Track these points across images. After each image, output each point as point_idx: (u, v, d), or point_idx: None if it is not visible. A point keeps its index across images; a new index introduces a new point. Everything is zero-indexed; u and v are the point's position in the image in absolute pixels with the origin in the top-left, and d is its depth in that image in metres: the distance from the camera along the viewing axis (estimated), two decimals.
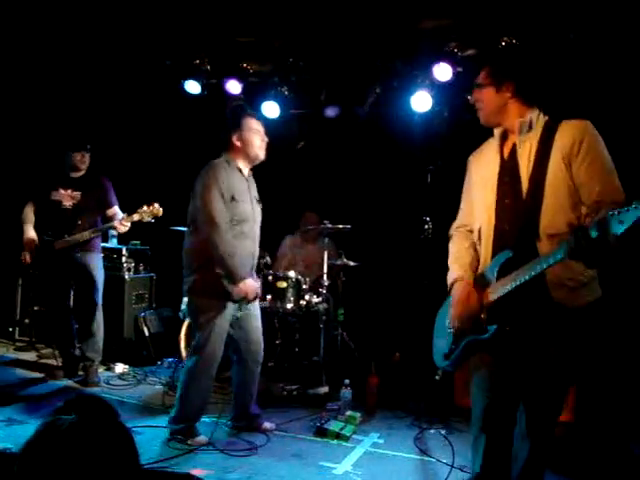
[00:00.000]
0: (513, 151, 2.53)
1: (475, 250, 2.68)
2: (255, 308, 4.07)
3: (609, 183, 2.31)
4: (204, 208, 3.71)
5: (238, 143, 3.91)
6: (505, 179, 2.52)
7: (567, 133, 2.38)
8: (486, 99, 2.62)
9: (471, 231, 2.73)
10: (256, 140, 3.93)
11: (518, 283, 2.28)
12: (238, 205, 3.81)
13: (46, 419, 1.40)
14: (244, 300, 3.84)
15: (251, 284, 3.83)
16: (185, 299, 3.98)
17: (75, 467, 1.33)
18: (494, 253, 2.51)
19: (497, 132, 2.66)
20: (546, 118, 2.51)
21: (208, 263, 3.73)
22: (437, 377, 3.23)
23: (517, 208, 2.44)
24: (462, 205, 2.87)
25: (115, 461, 1.40)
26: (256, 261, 4.07)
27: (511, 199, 2.48)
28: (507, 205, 2.49)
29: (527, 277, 2.25)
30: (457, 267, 2.68)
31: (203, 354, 3.81)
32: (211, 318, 3.79)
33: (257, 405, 4.24)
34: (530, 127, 2.49)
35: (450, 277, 2.69)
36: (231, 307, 3.86)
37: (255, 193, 4.07)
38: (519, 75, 2.60)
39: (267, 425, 4.19)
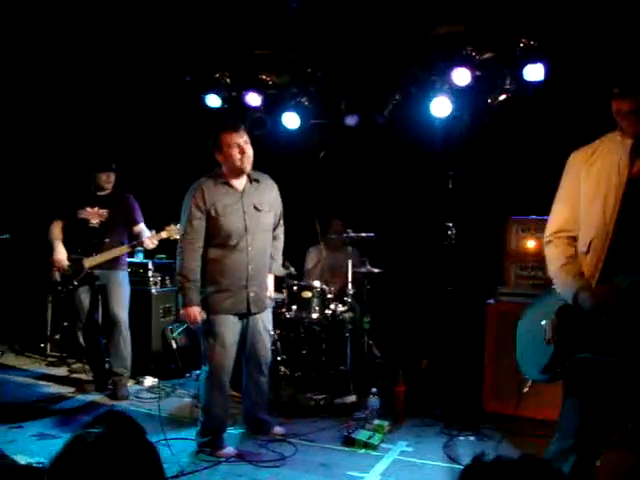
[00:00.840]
0: None
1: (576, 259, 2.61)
2: (261, 321, 4.06)
3: None
4: (180, 230, 3.96)
5: (219, 158, 3.94)
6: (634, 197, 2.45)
7: None
8: None
9: (574, 238, 2.64)
10: (235, 154, 3.88)
11: None
12: (221, 220, 3.84)
13: (74, 433, 1.43)
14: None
15: (190, 313, 3.80)
16: None
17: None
18: (606, 268, 2.45)
19: (628, 142, 2.54)
20: None
21: (203, 279, 3.87)
22: (525, 389, 3.17)
23: None
24: (560, 207, 2.72)
25: (140, 475, 1.42)
26: (260, 269, 3.99)
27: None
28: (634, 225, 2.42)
29: None
30: (574, 276, 2.54)
31: (210, 365, 3.89)
32: (213, 330, 3.85)
33: (267, 412, 4.31)
34: None
35: (576, 282, 2.52)
36: (231, 319, 3.89)
37: (258, 200, 3.99)
38: None
39: (277, 429, 4.23)
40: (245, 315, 3.97)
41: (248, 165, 3.93)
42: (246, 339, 4.03)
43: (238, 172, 3.95)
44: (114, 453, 1.40)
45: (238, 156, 3.88)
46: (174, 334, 5.84)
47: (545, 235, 2.76)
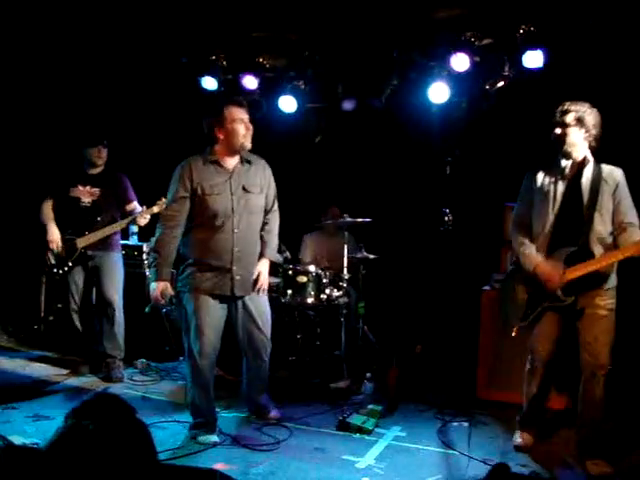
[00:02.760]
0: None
1: None
2: (254, 307, 3.97)
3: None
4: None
5: (221, 136, 3.82)
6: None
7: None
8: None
9: (529, 226, 3.69)
10: (240, 129, 3.81)
11: (591, 270, 3.38)
12: (207, 199, 3.76)
13: (65, 422, 1.43)
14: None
15: (155, 287, 3.77)
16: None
17: (94, 466, 1.36)
18: (551, 244, 3.57)
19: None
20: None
21: (182, 259, 3.87)
22: (513, 334, 3.83)
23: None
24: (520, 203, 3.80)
25: (132, 458, 1.43)
26: (246, 252, 3.89)
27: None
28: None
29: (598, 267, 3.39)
30: (535, 254, 3.61)
31: (188, 348, 3.84)
32: (191, 310, 3.80)
33: (269, 398, 4.29)
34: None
35: (534, 259, 3.60)
36: (211, 302, 3.82)
37: (248, 182, 3.89)
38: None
39: (273, 413, 4.23)
40: (231, 299, 3.89)
41: (249, 143, 3.86)
42: (237, 325, 3.97)
43: (236, 150, 3.86)
44: (105, 435, 1.41)
45: (242, 132, 3.80)
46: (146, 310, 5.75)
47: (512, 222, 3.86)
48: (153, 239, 3.89)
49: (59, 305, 6.27)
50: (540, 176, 3.68)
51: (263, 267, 4.02)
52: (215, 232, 3.79)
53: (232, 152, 3.88)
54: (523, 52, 4.75)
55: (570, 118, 3.49)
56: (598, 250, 3.45)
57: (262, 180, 3.99)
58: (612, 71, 4.68)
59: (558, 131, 3.53)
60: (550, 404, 4.11)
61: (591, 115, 3.49)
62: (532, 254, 3.61)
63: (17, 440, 3.54)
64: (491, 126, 5.40)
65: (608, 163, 3.56)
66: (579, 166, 3.56)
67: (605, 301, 3.48)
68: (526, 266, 3.63)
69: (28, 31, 5.43)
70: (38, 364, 5.55)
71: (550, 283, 3.51)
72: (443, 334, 5.06)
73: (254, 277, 3.94)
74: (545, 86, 4.82)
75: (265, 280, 4.01)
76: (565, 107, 3.52)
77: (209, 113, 3.88)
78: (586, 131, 3.50)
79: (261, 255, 4.03)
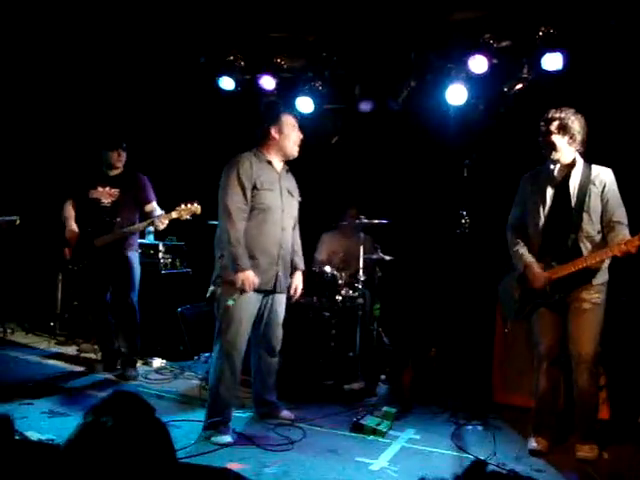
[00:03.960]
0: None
1: None
2: (278, 303, 4.10)
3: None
4: (222, 198, 3.87)
5: (276, 136, 4.00)
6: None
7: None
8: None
9: (523, 228, 3.89)
10: (293, 135, 4.03)
11: (578, 269, 3.56)
12: (262, 193, 3.88)
13: (85, 419, 1.43)
14: (240, 290, 3.79)
15: (248, 276, 3.76)
16: (211, 288, 4.00)
17: (115, 464, 1.36)
18: (543, 247, 3.76)
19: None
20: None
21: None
22: (506, 330, 4.30)
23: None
24: (515, 206, 3.99)
25: (152, 457, 1.42)
26: (287, 252, 4.07)
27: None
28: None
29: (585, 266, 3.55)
30: (527, 254, 3.80)
31: (223, 342, 3.85)
32: (236, 305, 3.81)
33: (277, 395, 4.31)
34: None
35: (524, 259, 3.80)
36: (253, 296, 3.88)
37: (290, 186, 4.12)
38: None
39: (285, 414, 4.23)
40: (269, 293, 4.00)
41: (297, 152, 4.08)
42: (262, 319, 4.05)
43: (286, 154, 4.06)
44: (125, 433, 1.40)
45: (295, 139, 4.04)
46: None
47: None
48: (223, 233, 3.82)
49: (75, 303, 6.33)
50: (532, 180, 3.89)
51: (299, 279, 4.27)
52: (267, 227, 3.91)
53: (282, 156, 4.07)
54: (542, 54, 4.72)
55: (554, 126, 3.67)
56: (587, 249, 3.63)
57: (296, 189, 4.21)
58: (632, 74, 4.64)
59: (543, 139, 3.73)
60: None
61: (575, 121, 3.66)
62: (523, 255, 3.81)
63: (33, 436, 3.56)
64: (509, 129, 5.36)
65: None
66: (568, 169, 3.74)
67: (591, 295, 3.64)
68: (518, 266, 3.86)
69: (50, 36, 5.49)
70: (53, 361, 5.59)
71: (536, 283, 3.71)
72: (458, 337, 5.03)
73: (292, 291, 4.21)
74: (564, 89, 4.78)
75: (300, 292, 4.29)
76: (550, 115, 3.70)
77: (267, 114, 4.08)
78: (570, 137, 3.67)
79: (296, 267, 4.24)
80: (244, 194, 3.84)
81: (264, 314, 4.06)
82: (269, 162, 4.01)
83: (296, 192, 4.18)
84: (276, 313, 4.10)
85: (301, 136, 4.08)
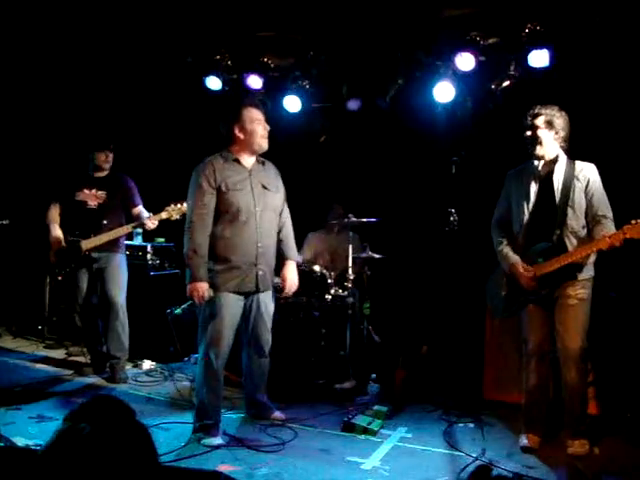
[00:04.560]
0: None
1: None
2: (264, 303, 4.03)
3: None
4: (187, 208, 3.91)
5: (240, 135, 3.91)
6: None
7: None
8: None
9: (508, 224, 3.92)
10: (259, 130, 3.91)
11: (564, 264, 3.56)
12: (231, 195, 3.81)
13: (62, 425, 1.42)
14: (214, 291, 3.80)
15: (197, 288, 3.72)
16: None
17: (92, 472, 1.35)
18: (528, 243, 3.77)
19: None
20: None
21: (212, 257, 3.84)
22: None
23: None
24: (500, 203, 4.02)
25: (132, 463, 1.40)
26: (267, 248, 3.97)
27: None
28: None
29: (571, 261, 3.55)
30: (512, 253, 3.82)
31: (206, 346, 3.85)
32: (214, 309, 3.81)
33: (267, 396, 4.28)
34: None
35: (509, 259, 3.82)
36: (234, 298, 3.85)
37: (266, 180, 4.00)
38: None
39: (277, 414, 4.22)
40: (251, 294, 3.95)
41: (267, 144, 3.96)
42: (248, 320, 4.02)
43: (255, 150, 3.95)
44: (102, 439, 1.38)
45: (261, 132, 3.91)
46: (175, 311, 5.76)
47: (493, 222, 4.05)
48: (185, 241, 3.81)
49: (63, 306, 6.28)
50: (517, 177, 3.91)
51: (291, 270, 4.15)
52: (240, 228, 3.85)
53: (251, 152, 3.97)
54: (529, 51, 4.73)
55: (540, 121, 3.71)
56: (572, 244, 3.64)
57: (276, 180, 4.10)
58: (618, 70, 4.65)
59: (529, 133, 3.75)
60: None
61: (560, 118, 3.71)
62: (508, 254, 3.83)
63: (20, 442, 3.52)
64: (497, 126, 5.36)
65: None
66: (551, 165, 3.76)
67: (576, 290, 3.65)
68: (503, 265, 3.90)
69: (34, 35, 5.44)
70: (42, 365, 5.55)
71: (522, 281, 3.74)
72: (449, 335, 5.03)
73: (284, 282, 4.10)
74: (551, 85, 4.79)
75: (295, 284, 4.16)
76: (536, 111, 3.74)
77: (227, 113, 3.96)
78: (555, 132, 3.71)
79: (286, 258, 4.14)
80: (207, 201, 3.79)
81: (250, 315, 4.02)
82: (237, 161, 3.92)
83: (275, 183, 4.06)
84: (262, 313, 4.03)
85: (268, 127, 3.95)
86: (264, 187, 3.96)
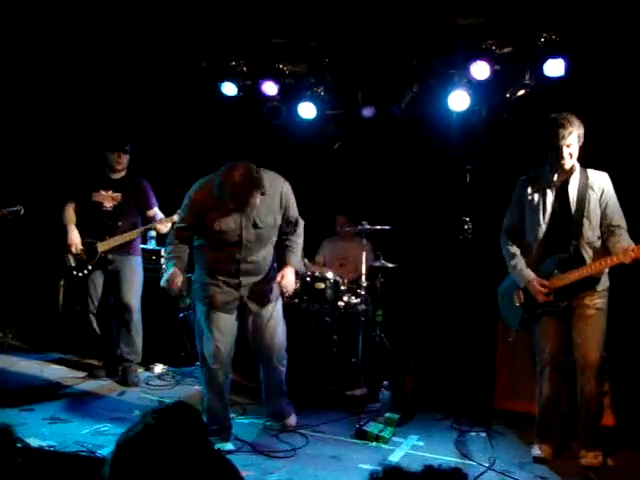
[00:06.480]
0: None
1: None
2: (265, 316, 3.94)
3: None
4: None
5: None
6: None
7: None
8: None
9: (520, 234, 3.91)
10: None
11: (581, 277, 3.56)
12: (216, 235, 3.76)
13: (144, 419, 1.54)
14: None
15: (169, 277, 3.75)
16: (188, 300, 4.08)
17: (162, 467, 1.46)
18: (542, 254, 3.76)
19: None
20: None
21: (201, 268, 3.90)
22: (510, 339, 4.33)
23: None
24: (511, 211, 3.99)
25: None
26: (257, 264, 3.87)
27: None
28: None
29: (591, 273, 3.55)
30: (526, 269, 3.77)
31: (200, 352, 3.88)
32: (204, 318, 3.83)
33: (289, 403, 4.27)
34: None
35: (525, 276, 3.76)
36: (220, 312, 3.82)
37: (261, 217, 3.79)
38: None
39: (290, 421, 4.22)
40: (243, 309, 3.90)
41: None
42: (248, 336, 3.99)
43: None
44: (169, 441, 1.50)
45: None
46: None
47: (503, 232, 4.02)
48: (168, 243, 3.93)
49: (77, 308, 6.30)
50: (530, 185, 3.85)
51: (287, 272, 3.88)
52: (222, 246, 3.80)
53: None
54: (544, 60, 4.71)
55: (574, 138, 3.61)
56: (588, 255, 3.64)
57: (277, 207, 3.88)
58: (633, 80, 4.64)
59: (567, 152, 3.61)
60: None
61: (581, 128, 3.65)
62: (523, 270, 3.79)
63: (34, 442, 3.55)
64: (511, 135, 5.36)
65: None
66: (567, 174, 3.73)
67: (594, 301, 3.64)
68: (518, 281, 3.85)
69: (52, 37, 5.48)
70: (55, 366, 5.58)
71: (539, 297, 3.71)
72: (461, 343, 5.01)
73: (277, 281, 3.86)
74: (566, 95, 4.78)
75: (289, 284, 3.88)
76: (568, 128, 3.57)
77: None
78: (580, 144, 3.68)
79: (285, 263, 3.95)
80: (188, 227, 3.85)
81: (248, 329, 3.96)
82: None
83: (270, 216, 3.84)
84: (265, 327, 3.93)
85: None
86: (256, 226, 3.79)
